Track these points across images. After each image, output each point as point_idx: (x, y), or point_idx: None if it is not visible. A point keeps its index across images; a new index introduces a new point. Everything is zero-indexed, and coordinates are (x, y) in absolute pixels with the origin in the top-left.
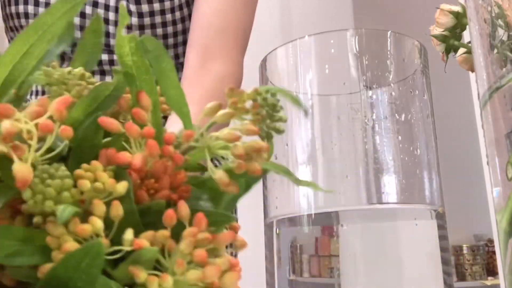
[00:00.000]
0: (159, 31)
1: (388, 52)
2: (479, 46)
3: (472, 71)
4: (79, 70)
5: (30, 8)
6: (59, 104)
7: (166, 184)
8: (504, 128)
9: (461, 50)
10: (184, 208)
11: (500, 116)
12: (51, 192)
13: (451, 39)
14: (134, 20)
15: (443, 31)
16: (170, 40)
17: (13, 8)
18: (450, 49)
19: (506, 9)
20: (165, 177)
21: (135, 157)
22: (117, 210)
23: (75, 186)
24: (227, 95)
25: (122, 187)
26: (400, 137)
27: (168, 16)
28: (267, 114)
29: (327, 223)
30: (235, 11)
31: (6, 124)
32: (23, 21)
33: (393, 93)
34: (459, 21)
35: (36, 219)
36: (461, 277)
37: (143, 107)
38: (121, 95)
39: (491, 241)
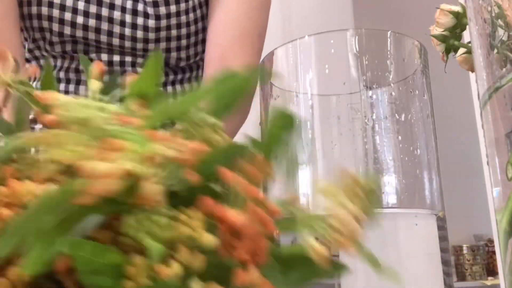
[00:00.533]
0: (174, 32)
1: (388, 52)
2: (479, 46)
3: (472, 71)
4: (212, 119)
5: (44, 10)
6: (194, 149)
7: (248, 246)
8: (504, 128)
9: (461, 50)
10: (255, 275)
11: (500, 116)
12: (153, 228)
13: (451, 39)
14: (151, 22)
15: (443, 31)
16: (184, 42)
17: (25, 9)
18: (450, 49)
19: (506, 9)
20: (250, 240)
21: (237, 217)
22: (200, 262)
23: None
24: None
25: (211, 241)
26: (400, 137)
27: (183, 18)
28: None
29: None
30: (250, 18)
31: (159, 147)
32: (35, 22)
33: (393, 93)
34: (459, 21)
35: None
36: (461, 277)
37: (262, 171)
38: (247, 157)
39: (491, 241)
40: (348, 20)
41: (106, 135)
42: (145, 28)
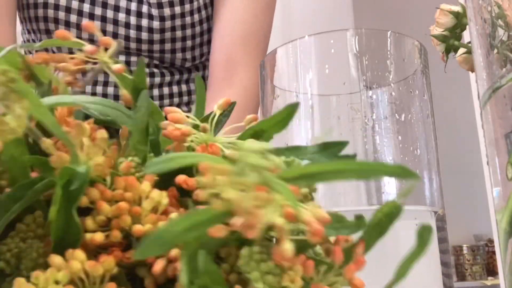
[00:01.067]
0: (179, 33)
1: (388, 52)
2: (479, 46)
3: (472, 71)
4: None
5: (50, 12)
6: (324, 220)
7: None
8: (504, 128)
9: (461, 50)
10: None
11: (500, 116)
12: (266, 272)
13: (451, 39)
14: (156, 24)
15: (443, 31)
16: (189, 43)
17: (31, 11)
18: (450, 49)
19: (506, 9)
20: None
21: None
22: None
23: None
24: None
25: None
26: (400, 137)
27: (188, 19)
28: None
29: None
30: (256, 19)
31: (304, 211)
32: (41, 24)
33: (393, 93)
34: (459, 21)
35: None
36: (461, 277)
37: None
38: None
39: (491, 241)
40: (348, 20)
41: (262, 182)
42: (150, 30)
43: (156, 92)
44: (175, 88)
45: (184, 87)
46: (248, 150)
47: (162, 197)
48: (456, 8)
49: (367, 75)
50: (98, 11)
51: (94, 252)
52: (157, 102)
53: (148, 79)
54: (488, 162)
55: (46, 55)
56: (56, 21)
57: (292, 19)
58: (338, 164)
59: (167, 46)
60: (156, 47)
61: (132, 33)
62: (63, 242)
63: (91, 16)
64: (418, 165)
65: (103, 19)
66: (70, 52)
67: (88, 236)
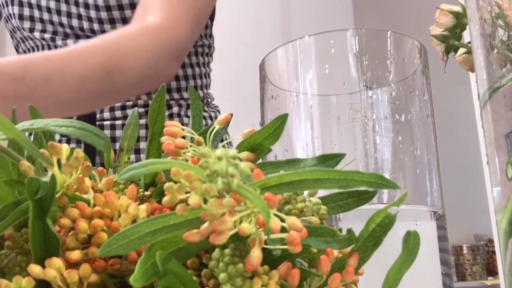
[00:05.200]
0: (128, 13)
1: (388, 52)
2: (479, 46)
3: (472, 71)
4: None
5: (26, 10)
6: (302, 233)
7: None
8: (504, 128)
9: (461, 50)
10: None
11: (500, 116)
12: (235, 274)
13: (451, 39)
14: (100, 0)
15: (443, 31)
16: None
17: (6, 9)
18: (450, 49)
19: (506, 9)
20: None
21: None
22: None
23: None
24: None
25: None
26: (400, 137)
27: None
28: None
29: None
30: None
31: (275, 219)
32: (14, 22)
33: (393, 93)
34: (459, 21)
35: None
36: (461, 277)
37: None
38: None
39: (491, 241)
40: (348, 20)
41: (232, 189)
42: (96, 7)
43: None
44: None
45: None
46: (216, 157)
47: (139, 211)
48: (456, 8)
49: (367, 75)
50: None
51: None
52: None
53: None
54: (488, 162)
55: None
56: (21, 4)
57: (292, 19)
58: (318, 173)
59: (119, 26)
60: (108, 27)
61: (82, 11)
62: (43, 253)
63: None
64: (418, 165)
65: (67, 1)
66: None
67: (68, 254)
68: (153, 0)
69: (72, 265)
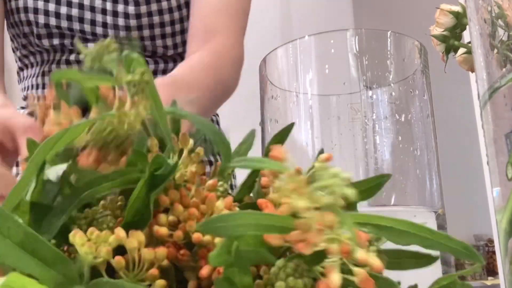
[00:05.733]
0: (156, 19)
1: (388, 52)
2: (479, 46)
3: (472, 71)
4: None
5: (30, 2)
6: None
7: None
8: (504, 128)
9: (461, 50)
10: None
11: (500, 116)
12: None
13: (451, 39)
14: (131, 8)
15: (443, 31)
16: (168, 29)
17: (13, 3)
18: (450, 49)
19: (506, 9)
20: None
21: None
22: None
23: None
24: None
25: None
26: (400, 137)
27: (164, 4)
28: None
29: None
30: None
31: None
32: (22, 16)
33: (393, 93)
34: (459, 21)
35: None
36: (461, 277)
37: None
38: None
39: (491, 241)
40: (348, 20)
41: (333, 207)
42: (126, 15)
43: None
44: (159, 78)
45: None
46: (330, 173)
47: None
48: (456, 8)
49: (367, 75)
50: None
51: (155, 244)
52: None
53: None
54: (488, 162)
55: None
56: (36, 11)
57: (292, 19)
58: (409, 226)
59: (146, 32)
60: (134, 34)
61: (109, 19)
62: (133, 224)
63: (69, 4)
64: (418, 165)
65: (81, 6)
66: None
67: (156, 227)
68: (213, 22)
69: (150, 244)
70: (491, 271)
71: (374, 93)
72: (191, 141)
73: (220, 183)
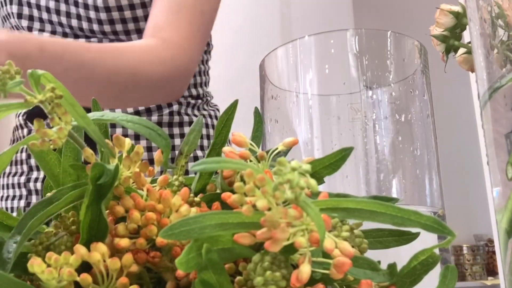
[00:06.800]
0: (127, 13)
1: (388, 52)
2: (479, 46)
3: (472, 71)
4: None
5: (25, 10)
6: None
7: None
8: (504, 128)
9: (461, 50)
10: None
11: (500, 116)
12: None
13: (451, 39)
14: (100, 1)
15: (443, 31)
16: (142, 24)
17: (7, 8)
18: (450, 49)
19: (506, 9)
20: None
21: None
22: None
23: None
24: None
25: None
26: (400, 137)
27: None
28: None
29: None
30: None
31: (330, 240)
32: (12, 21)
33: (393, 93)
34: (459, 21)
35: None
36: (461, 277)
37: None
38: None
39: (491, 241)
40: (348, 20)
41: (295, 201)
42: (95, 8)
43: None
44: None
45: None
46: (290, 168)
47: (190, 212)
48: (456, 8)
49: (367, 75)
50: None
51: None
52: None
53: None
54: (488, 162)
55: None
56: (20, 2)
57: (292, 19)
58: (375, 205)
59: (118, 27)
60: (107, 28)
61: (82, 11)
62: (91, 237)
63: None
64: (418, 165)
65: (66, 1)
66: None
67: (116, 240)
68: (165, 18)
69: (114, 253)
70: (491, 271)
71: (374, 93)
72: (127, 141)
73: (175, 176)
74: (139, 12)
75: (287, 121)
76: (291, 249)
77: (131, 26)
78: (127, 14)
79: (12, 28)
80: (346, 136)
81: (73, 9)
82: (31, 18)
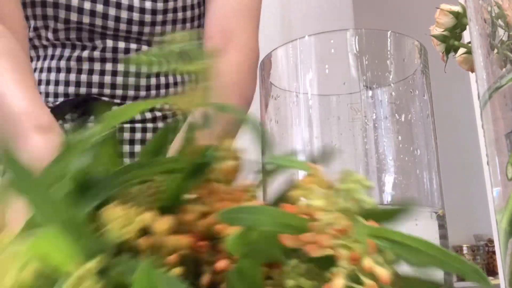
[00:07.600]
0: (180, 15)
1: (388, 52)
2: (479, 46)
3: (472, 71)
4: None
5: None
6: None
7: None
8: (504, 128)
9: (461, 50)
10: None
11: (500, 116)
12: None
13: (451, 39)
14: (160, 5)
15: (443, 31)
16: (188, 26)
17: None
18: (450, 49)
19: (506, 9)
20: None
21: None
22: None
23: None
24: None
25: None
26: (400, 137)
27: (188, 0)
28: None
29: None
30: None
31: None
32: (38, 10)
33: (393, 93)
34: (459, 21)
35: None
36: (461, 277)
37: None
38: None
39: (491, 241)
40: (348, 20)
41: (348, 212)
42: (153, 12)
43: (153, 81)
44: (171, 78)
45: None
46: (352, 179)
47: None
48: (456, 8)
49: (367, 75)
50: None
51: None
52: (153, 92)
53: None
54: (488, 162)
55: None
56: (56, 5)
57: (292, 19)
58: (422, 244)
59: (168, 28)
60: (157, 29)
61: (136, 16)
62: (166, 209)
63: (93, 0)
64: (418, 165)
65: (106, 2)
66: (67, 38)
67: (189, 207)
68: (229, 17)
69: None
70: (491, 271)
71: (374, 93)
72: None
73: (253, 188)
74: (188, 14)
75: (287, 121)
76: (327, 263)
77: (179, 27)
78: (179, 15)
79: (35, 29)
80: (346, 136)
81: (124, 14)
82: (67, 21)
